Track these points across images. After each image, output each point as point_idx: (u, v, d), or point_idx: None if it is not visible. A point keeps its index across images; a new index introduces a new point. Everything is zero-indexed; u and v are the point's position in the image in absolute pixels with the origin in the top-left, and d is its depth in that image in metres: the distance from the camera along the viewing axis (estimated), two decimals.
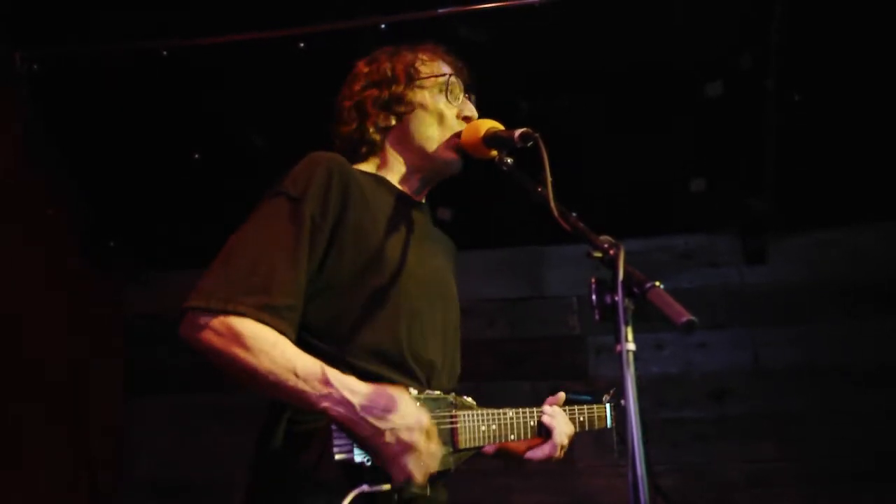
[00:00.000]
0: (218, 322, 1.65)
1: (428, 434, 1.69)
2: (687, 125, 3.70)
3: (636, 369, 1.33)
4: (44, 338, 3.77)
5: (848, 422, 3.86)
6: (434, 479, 1.77)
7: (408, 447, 1.65)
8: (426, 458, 1.67)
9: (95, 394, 4.10)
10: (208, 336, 1.65)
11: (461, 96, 2.07)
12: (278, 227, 1.76)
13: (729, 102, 3.57)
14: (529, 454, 2.16)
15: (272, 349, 1.65)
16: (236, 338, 1.64)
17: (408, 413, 1.67)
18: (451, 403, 1.87)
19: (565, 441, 2.15)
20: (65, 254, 4.00)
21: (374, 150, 2.07)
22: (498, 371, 4.10)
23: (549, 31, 3.38)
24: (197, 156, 3.88)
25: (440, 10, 3.34)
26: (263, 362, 1.64)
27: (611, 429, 2.38)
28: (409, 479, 1.66)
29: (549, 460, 2.15)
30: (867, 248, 4.04)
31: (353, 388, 1.66)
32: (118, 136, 3.86)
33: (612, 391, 2.40)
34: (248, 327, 1.65)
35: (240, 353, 1.64)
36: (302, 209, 1.77)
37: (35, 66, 3.58)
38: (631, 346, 1.33)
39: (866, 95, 3.58)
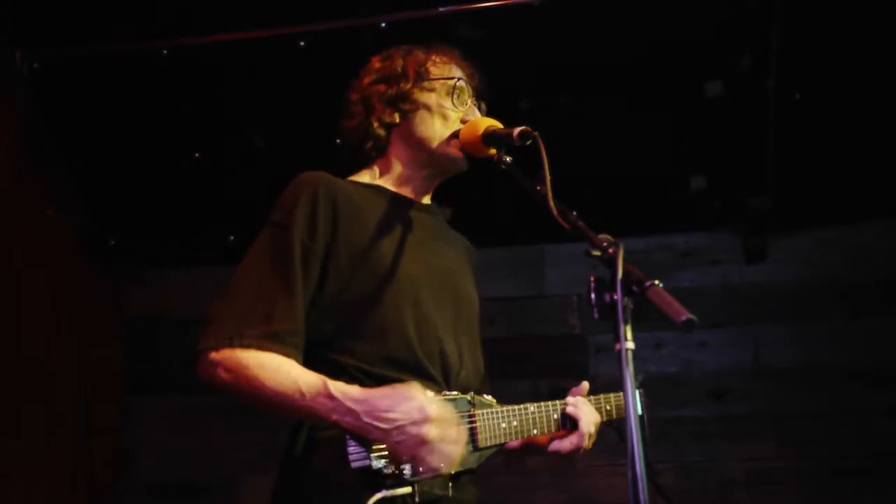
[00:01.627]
0: (224, 358, 1.73)
1: (439, 423, 1.68)
2: (687, 123, 3.70)
3: (635, 368, 1.33)
4: (43, 337, 3.77)
5: (848, 421, 3.86)
6: (457, 478, 1.79)
7: (419, 441, 1.65)
8: (443, 446, 1.68)
9: (95, 393, 4.10)
10: (219, 374, 1.74)
11: (468, 101, 2.07)
12: (270, 258, 1.82)
13: (730, 101, 3.57)
14: (555, 446, 2.13)
15: (277, 374, 1.72)
16: (243, 370, 1.72)
17: (411, 408, 1.67)
18: (469, 403, 1.88)
19: (592, 429, 2.13)
20: (64, 253, 4.00)
21: (379, 146, 2.07)
22: (498, 370, 4.08)
23: (549, 29, 3.38)
24: (197, 155, 3.88)
25: (441, 9, 3.34)
26: (272, 387, 1.71)
27: (640, 416, 2.34)
28: (433, 471, 1.67)
29: (577, 451, 2.12)
30: (868, 247, 4.03)
31: (354, 397, 1.69)
32: (118, 135, 3.85)
33: (639, 377, 2.36)
34: (252, 358, 1.72)
35: (249, 384, 1.72)
36: (290, 235, 1.82)
37: (35, 65, 3.57)
38: (630, 344, 1.33)
39: (867, 94, 3.58)
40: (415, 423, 1.66)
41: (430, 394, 1.78)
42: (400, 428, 1.65)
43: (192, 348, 1.78)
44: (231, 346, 1.72)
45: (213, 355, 1.74)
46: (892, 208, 3.96)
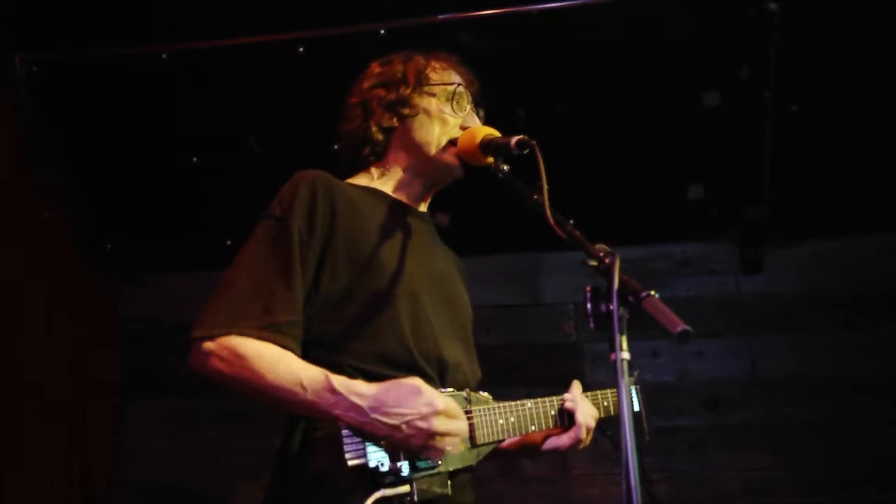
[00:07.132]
0: (221, 347, 1.69)
1: (446, 413, 1.69)
2: (685, 134, 3.70)
3: (630, 371, 1.33)
4: (40, 339, 3.76)
5: (844, 431, 3.86)
6: (456, 476, 1.79)
7: (427, 433, 1.66)
8: (451, 439, 1.69)
9: (92, 396, 4.10)
10: (214, 363, 1.69)
11: (467, 107, 2.08)
12: (269, 250, 1.80)
13: (727, 112, 3.57)
14: (552, 442, 2.14)
15: (276, 366, 1.69)
16: (241, 360, 1.68)
17: (419, 402, 1.67)
18: (466, 399, 1.89)
19: (591, 423, 2.15)
20: (62, 256, 4.00)
21: (377, 150, 2.07)
22: (494, 378, 4.07)
23: (549, 39, 3.39)
24: (195, 159, 3.88)
25: (440, 17, 3.35)
26: (270, 380, 1.68)
27: (637, 412, 2.37)
28: (439, 455, 1.69)
29: (575, 446, 2.13)
30: (864, 259, 4.04)
31: (359, 392, 1.67)
32: (117, 139, 3.86)
33: (635, 373, 2.40)
34: (251, 347, 1.69)
35: (246, 374, 1.68)
36: (289, 228, 1.81)
37: (35, 69, 3.58)
38: (625, 354, 1.33)
39: (864, 106, 3.59)
40: (423, 416, 1.66)
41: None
42: (409, 423, 1.65)
43: (187, 338, 1.73)
44: (228, 335, 1.69)
45: (209, 344, 1.69)
46: (889, 220, 3.97)
